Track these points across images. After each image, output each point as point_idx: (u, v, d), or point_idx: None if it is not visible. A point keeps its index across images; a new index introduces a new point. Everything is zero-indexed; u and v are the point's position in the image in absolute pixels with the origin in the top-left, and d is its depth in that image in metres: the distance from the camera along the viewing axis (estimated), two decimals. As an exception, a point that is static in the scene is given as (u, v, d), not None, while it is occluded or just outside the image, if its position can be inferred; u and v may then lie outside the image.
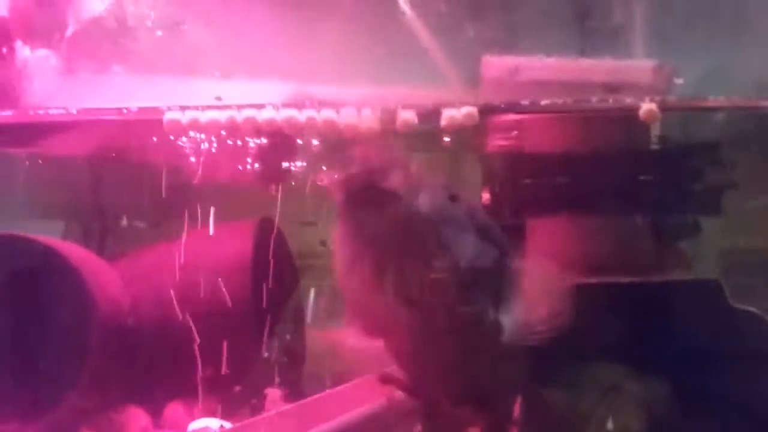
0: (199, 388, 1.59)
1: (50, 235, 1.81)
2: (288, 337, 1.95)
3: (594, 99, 1.25)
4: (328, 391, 1.56)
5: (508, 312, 1.04)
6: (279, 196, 1.74)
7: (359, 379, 1.50)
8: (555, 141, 1.64)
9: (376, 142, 1.16)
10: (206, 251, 1.76)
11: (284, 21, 1.38)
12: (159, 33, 1.42)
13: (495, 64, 1.36)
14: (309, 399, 1.50)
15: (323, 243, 2.24)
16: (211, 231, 1.91)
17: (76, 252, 1.78)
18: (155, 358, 1.76)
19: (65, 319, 1.66)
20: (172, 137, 1.42)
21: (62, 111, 1.34)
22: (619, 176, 1.57)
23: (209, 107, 1.23)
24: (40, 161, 2.02)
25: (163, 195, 1.56)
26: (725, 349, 1.29)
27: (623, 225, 1.59)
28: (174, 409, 1.72)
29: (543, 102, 1.25)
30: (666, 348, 1.34)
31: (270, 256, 1.84)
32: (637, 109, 1.16)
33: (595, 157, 1.57)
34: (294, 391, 1.70)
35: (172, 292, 1.64)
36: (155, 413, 1.70)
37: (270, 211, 1.90)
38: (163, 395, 1.73)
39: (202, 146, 1.59)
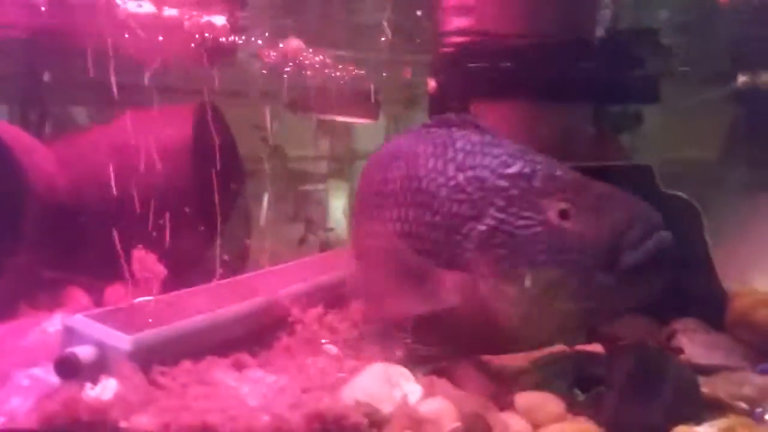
0: (138, 269, 1.57)
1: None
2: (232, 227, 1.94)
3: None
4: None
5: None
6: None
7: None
8: (500, 27, 1.62)
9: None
10: (146, 133, 1.72)
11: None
12: None
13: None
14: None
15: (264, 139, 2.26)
16: (152, 113, 1.89)
17: (8, 131, 1.74)
18: (95, 239, 1.74)
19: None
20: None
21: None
22: (561, 63, 1.56)
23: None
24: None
25: (104, 77, 1.51)
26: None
27: (565, 112, 1.60)
28: (115, 290, 1.72)
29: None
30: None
31: (211, 139, 1.83)
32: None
33: (539, 44, 1.56)
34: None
35: (110, 173, 1.60)
36: (96, 293, 1.70)
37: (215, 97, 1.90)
38: (104, 276, 1.72)
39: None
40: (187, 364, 1.13)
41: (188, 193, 1.76)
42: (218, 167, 1.73)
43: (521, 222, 1.09)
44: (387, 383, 1.10)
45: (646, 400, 1.04)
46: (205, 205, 1.68)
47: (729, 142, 1.91)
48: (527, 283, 1.06)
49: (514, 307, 1.08)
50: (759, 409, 1.07)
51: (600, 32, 1.60)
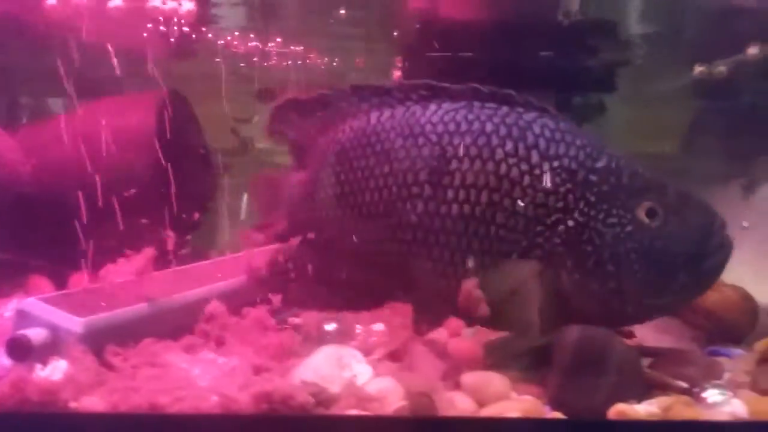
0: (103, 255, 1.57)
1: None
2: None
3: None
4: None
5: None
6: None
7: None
8: (461, 14, 1.64)
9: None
10: (109, 121, 1.72)
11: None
12: None
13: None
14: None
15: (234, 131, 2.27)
16: (115, 101, 1.89)
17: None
18: (59, 227, 1.74)
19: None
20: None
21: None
22: (519, 51, 1.58)
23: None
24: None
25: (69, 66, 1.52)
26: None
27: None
28: (79, 277, 1.72)
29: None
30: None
31: (176, 128, 1.83)
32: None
33: (498, 32, 1.58)
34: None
35: (73, 161, 1.61)
36: (60, 280, 1.70)
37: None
38: (67, 263, 1.72)
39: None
40: (138, 347, 1.14)
41: (151, 180, 1.76)
42: (183, 155, 1.75)
43: (612, 220, 1.11)
44: (337, 364, 1.12)
45: (588, 379, 1.06)
46: (168, 192, 1.69)
47: (690, 133, 1.94)
48: (613, 282, 1.09)
49: (598, 303, 1.12)
50: (697, 389, 1.09)
51: (557, 22, 1.62)
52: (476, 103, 1.20)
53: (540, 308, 1.14)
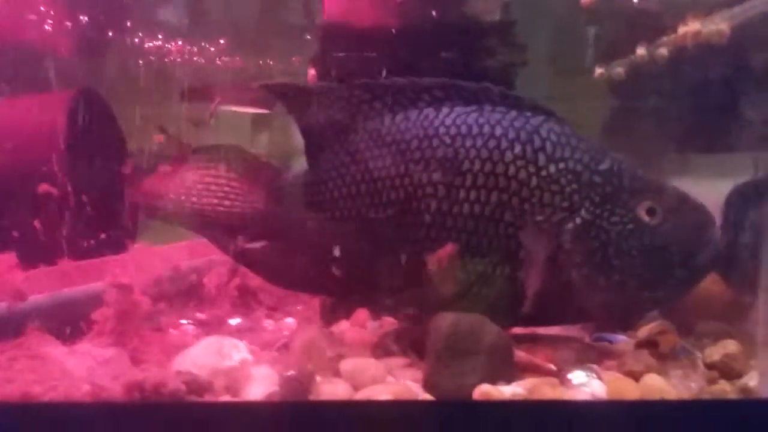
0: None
1: None
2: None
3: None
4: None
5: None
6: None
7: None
8: (363, 15, 1.67)
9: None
10: (13, 121, 1.73)
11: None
12: None
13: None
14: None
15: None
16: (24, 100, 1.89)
17: None
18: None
19: None
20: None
21: None
22: (419, 51, 1.62)
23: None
24: None
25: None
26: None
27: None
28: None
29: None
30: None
31: (91, 128, 1.84)
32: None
33: (398, 33, 1.62)
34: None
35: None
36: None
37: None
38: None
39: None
40: (18, 340, 1.15)
41: (61, 179, 1.76)
42: (97, 154, 1.75)
43: (615, 218, 1.19)
44: (217, 354, 1.13)
45: (458, 363, 1.09)
46: (79, 191, 1.68)
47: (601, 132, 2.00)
48: (618, 275, 1.18)
49: (604, 296, 1.20)
50: (564, 371, 1.13)
51: (457, 23, 1.66)
52: (486, 107, 1.27)
53: (549, 301, 1.21)
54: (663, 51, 1.51)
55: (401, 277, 1.27)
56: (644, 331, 1.35)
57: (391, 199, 1.25)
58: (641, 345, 1.28)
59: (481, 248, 1.23)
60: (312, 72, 1.97)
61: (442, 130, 1.26)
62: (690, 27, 1.36)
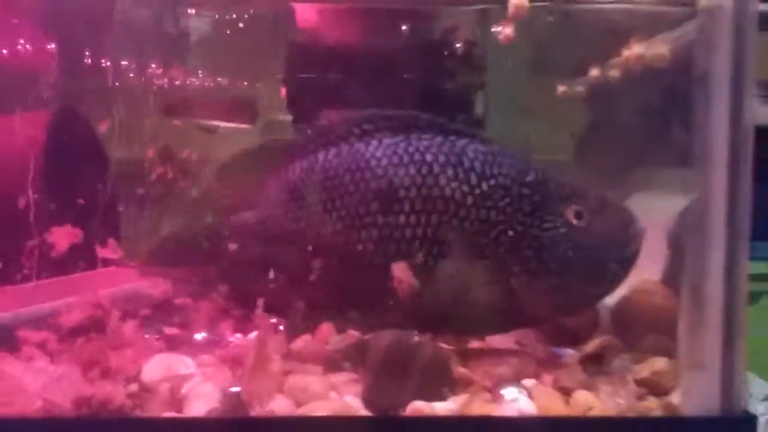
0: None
1: None
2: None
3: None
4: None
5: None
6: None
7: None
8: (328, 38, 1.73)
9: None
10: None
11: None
12: None
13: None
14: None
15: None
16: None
17: None
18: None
19: None
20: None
21: None
22: (382, 73, 1.68)
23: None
24: None
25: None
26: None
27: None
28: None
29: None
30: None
31: (69, 147, 1.89)
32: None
33: (362, 56, 1.67)
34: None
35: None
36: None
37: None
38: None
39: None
40: (-22, 357, 1.21)
41: (39, 195, 1.81)
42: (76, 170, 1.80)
43: (547, 224, 1.29)
44: (166, 371, 1.19)
45: (394, 379, 1.14)
46: (58, 208, 1.74)
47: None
48: (556, 278, 1.27)
49: (545, 299, 1.29)
50: (498, 387, 1.17)
51: (418, 45, 1.71)
52: (413, 136, 1.36)
53: (494, 311, 1.30)
54: (614, 72, 1.55)
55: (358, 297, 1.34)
56: (590, 346, 1.40)
57: (334, 228, 1.33)
58: (583, 360, 1.33)
59: (425, 269, 1.30)
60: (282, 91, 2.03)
61: (373, 162, 1.34)
62: (633, 51, 1.40)
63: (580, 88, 1.82)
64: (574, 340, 1.52)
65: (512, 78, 1.86)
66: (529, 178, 1.31)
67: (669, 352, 1.31)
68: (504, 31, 1.38)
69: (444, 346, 1.48)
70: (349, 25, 1.80)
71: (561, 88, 1.86)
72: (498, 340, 1.51)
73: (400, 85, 1.74)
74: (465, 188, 1.29)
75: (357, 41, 1.78)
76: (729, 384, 1.08)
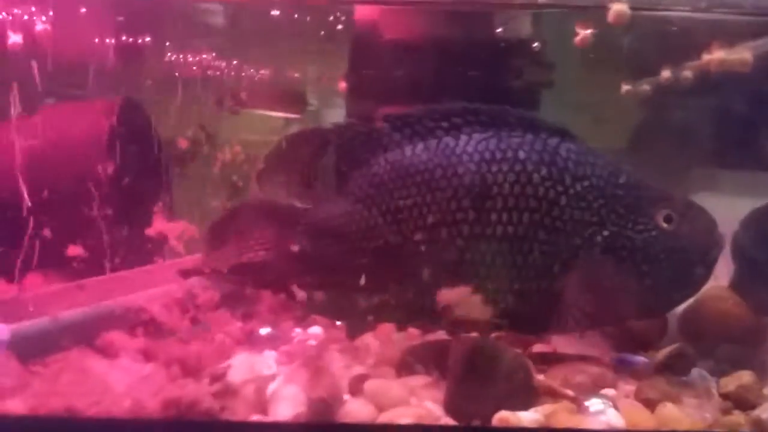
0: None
1: None
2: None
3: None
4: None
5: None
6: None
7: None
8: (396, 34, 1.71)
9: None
10: (57, 128, 1.79)
11: None
12: None
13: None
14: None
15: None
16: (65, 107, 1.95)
17: None
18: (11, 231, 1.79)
19: None
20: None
21: None
22: (446, 70, 1.66)
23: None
24: None
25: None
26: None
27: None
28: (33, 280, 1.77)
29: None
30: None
31: (130, 135, 1.89)
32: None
33: (426, 51, 1.66)
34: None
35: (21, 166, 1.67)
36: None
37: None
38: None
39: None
40: (62, 354, 1.22)
41: (102, 186, 1.82)
42: (137, 161, 1.81)
43: (639, 227, 1.29)
44: (249, 371, 1.20)
45: (478, 387, 1.14)
46: (122, 199, 1.75)
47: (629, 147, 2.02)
48: (648, 280, 1.28)
49: (636, 300, 1.29)
50: (582, 397, 1.17)
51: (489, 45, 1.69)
52: (503, 133, 1.32)
53: (585, 309, 1.28)
54: (687, 74, 1.53)
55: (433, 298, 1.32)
56: (663, 353, 1.39)
57: (422, 226, 1.30)
58: (660, 368, 1.32)
59: (516, 267, 1.29)
60: (342, 85, 2.02)
61: (465, 157, 1.31)
62: (715, 55, 1.38)
63: (645, 87, 1.80)
64: (643, 345, 1.52)
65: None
66: (622, 179, 1.30)
67: (744, 362, 1.31)
68: (582, 34, 1.36)
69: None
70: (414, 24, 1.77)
71: (625, 87, 1.84)
72: (565, 345, 1.51)
73: (466, 83, 1.72)
74: (559, 188, 1.28)
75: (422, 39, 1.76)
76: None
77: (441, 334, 1.49)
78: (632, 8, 1.31)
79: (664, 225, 1.30)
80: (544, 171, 1.28)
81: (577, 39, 1.39)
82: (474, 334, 1.26)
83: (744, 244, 1.53)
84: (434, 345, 1.38)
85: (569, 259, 1.28)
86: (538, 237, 1.28)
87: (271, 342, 1.48)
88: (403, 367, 1.32)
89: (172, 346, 1.28)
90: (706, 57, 1.41)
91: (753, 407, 1.16)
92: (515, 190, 1.28)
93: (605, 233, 1.28)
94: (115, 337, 1.26)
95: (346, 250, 1.33)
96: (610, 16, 1.28)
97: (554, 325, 1.34)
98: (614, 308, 1.31)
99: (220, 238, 1.37)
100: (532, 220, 1.27)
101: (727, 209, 1.61)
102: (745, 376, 1.19)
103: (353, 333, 1.53)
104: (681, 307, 1.53)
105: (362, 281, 1.30)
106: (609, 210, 1.29)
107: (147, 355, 1.26)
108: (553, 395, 1.19)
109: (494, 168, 1.29)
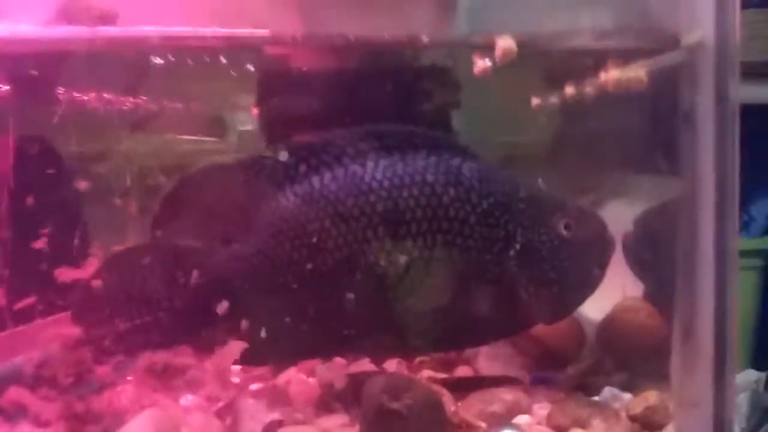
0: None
1: None
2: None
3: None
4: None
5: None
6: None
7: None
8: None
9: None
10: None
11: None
12: None
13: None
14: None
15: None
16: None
17: None
18: None
19: None
20: None
21: None
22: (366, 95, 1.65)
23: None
24: None
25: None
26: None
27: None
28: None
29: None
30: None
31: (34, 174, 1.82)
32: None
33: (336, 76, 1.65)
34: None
35: None
36: None
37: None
38: None
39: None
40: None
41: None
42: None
43: (544, 237, 1.32)
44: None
45: (389, 425, 1.13)
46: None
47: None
48: (557, 287, 1.31)
49: (548, 306, 1.32)
50: (494, 429, 1.18)
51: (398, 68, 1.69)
52: (408, 155, 1.32)
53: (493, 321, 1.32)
54: (589, 90, 1.56)
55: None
56: (576, 371, 1.41)
57: (336, 257, 1.28)
58: (573, 388, 1.34)
59: (434, 289, 1.29)
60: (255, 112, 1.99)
61: (374, 185, 1.29)
62: (611, 73, 1.40)
63: (554, 100, 1.82)
64: (562, 361, 1.54)
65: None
66: (522, 193, 1.33)
67: (656, 376, 1.34)
68: (480, 64, 1.36)
69: (434, 375, 1.50)
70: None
71: (535, 101, 1.86)
72: (487, 367, 1.53)
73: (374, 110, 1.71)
74: (468, 207, 1.29)
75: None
76: (721, 422, 1.09)
77: (365, 364, 1.51)
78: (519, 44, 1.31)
79: (564, 233, 1.34)
80: (452, 192, 1.29)
81: (476, 70, 1.38)
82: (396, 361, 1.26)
83: (632, 244, 1.58)
84: (355, 378, 1.37)
85: (483, 275, 1.30)
86: (453, 257, 1.28)
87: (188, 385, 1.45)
88: (322, 405, 1.31)
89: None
90: (602, 76, 1.43)
91: (660, 428, 1.18)
92: (428, 214, 1.28)
93: (516, 247, 1.31)
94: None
95: (261, 289, 1.30)
96: (497, 53, 1.28)
97: (473, 339, 1.38)
98: (527, 317, 1.34)
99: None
100: (446, 241, 1.28)
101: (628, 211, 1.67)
102: (652, 397, 1.22)
103: (276, 370, 1.51)
104: (595, 318, 1.58)
105: (282, 318, 1.28)
106: (515, 225, 1.31)
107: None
108: (467, 429, 1.19)
109: (405, 193, 1.28)
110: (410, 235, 1.27)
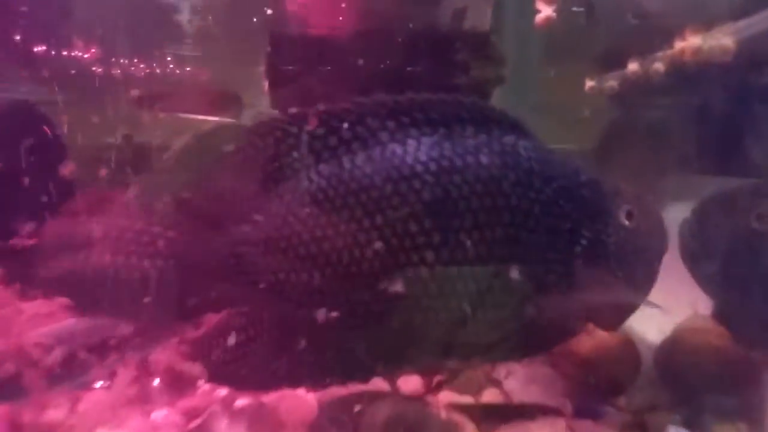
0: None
1: None
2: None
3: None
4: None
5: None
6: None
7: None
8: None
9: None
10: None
11: None
12: None
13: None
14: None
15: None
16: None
17: None
18: None
19: None
20: None
21: None
22: (389, 64, 1.44)
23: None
24: None
25: None
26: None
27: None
28: None
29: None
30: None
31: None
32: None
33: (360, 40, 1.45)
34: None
35: None
36: None
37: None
38: None
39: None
40: None
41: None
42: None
43: (609, 228, 1.14)
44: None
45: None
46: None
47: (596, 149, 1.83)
48: (622, 278, 1.14)
49: (612, 299, 1.16)
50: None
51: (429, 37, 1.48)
52: (455, 133, 1.09)
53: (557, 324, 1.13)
54: (658, 66, 1.31)
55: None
56: (632, 406, 1.17)
57: (370, 254, 1.03)
58: (628, 426, 1.10)
59: (488, 290, 1.06)
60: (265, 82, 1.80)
61: (419, 168, 1.05)
62: (689, 42, 1.15)
63: (612, 83, 1.58)
64: (612, 389, 1.31)
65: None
66: (584, 177, 1.12)
67: (731, 413, 1.10)
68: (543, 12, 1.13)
69: (456, 399, 1.27)
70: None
71: (588, 83, 1.62)
72: (521, 391, 1.29)
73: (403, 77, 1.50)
74: (531, 194, 1.07)
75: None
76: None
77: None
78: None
79: (626, 223, 1.15)
80: (512, 176, 1.06)
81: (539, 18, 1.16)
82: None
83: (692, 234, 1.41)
84: (351, 399, 1.14)
85: (547, 276, 1.08)
86: (516, 254, 1.06)
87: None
88: (317, 429, 1.10)
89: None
90: (679, 45, 1.19)
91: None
92: (486, 202, 1.05)
93: (583, 242, 1.11)
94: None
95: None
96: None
97: (530, 348, 1.14)
98: (583, 320, 1.15)
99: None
100: (507, 236, 1.05)
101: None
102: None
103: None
104: (654, 340, 1.36)
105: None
106: (581, 214, 1.10)
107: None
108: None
109: (457, 179, 1.05)
110: (463, 229, 1.03)
